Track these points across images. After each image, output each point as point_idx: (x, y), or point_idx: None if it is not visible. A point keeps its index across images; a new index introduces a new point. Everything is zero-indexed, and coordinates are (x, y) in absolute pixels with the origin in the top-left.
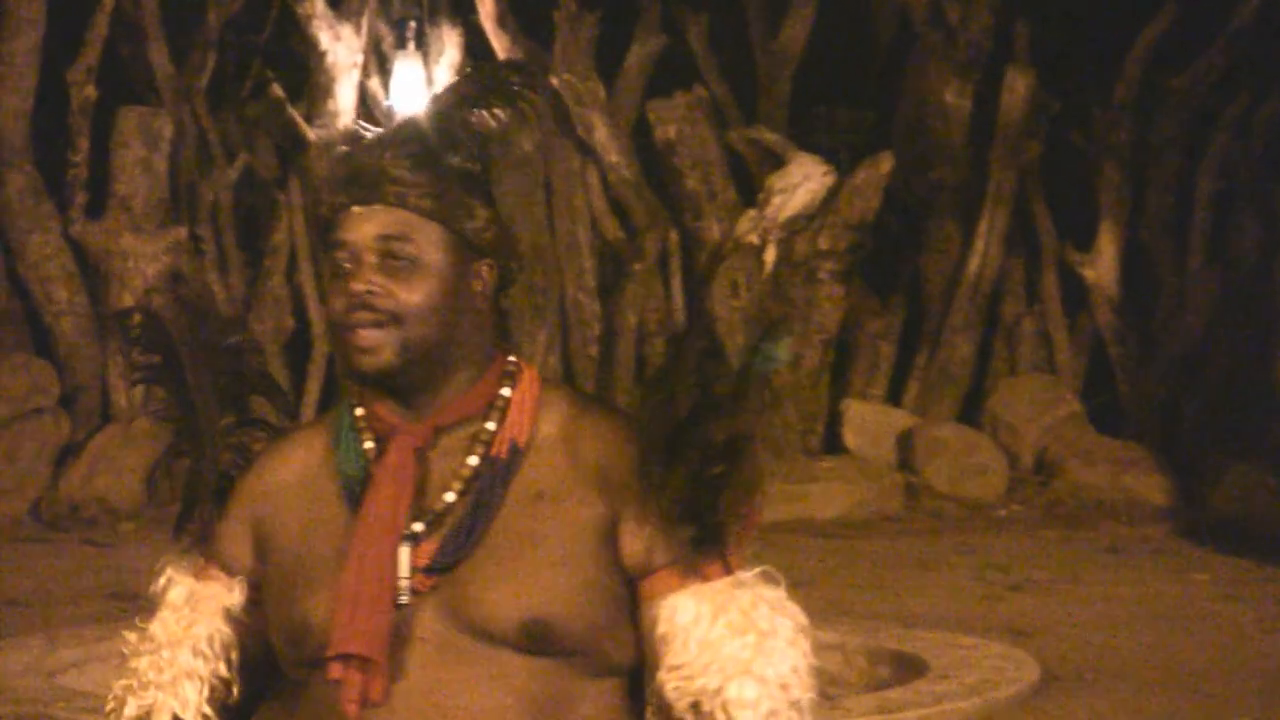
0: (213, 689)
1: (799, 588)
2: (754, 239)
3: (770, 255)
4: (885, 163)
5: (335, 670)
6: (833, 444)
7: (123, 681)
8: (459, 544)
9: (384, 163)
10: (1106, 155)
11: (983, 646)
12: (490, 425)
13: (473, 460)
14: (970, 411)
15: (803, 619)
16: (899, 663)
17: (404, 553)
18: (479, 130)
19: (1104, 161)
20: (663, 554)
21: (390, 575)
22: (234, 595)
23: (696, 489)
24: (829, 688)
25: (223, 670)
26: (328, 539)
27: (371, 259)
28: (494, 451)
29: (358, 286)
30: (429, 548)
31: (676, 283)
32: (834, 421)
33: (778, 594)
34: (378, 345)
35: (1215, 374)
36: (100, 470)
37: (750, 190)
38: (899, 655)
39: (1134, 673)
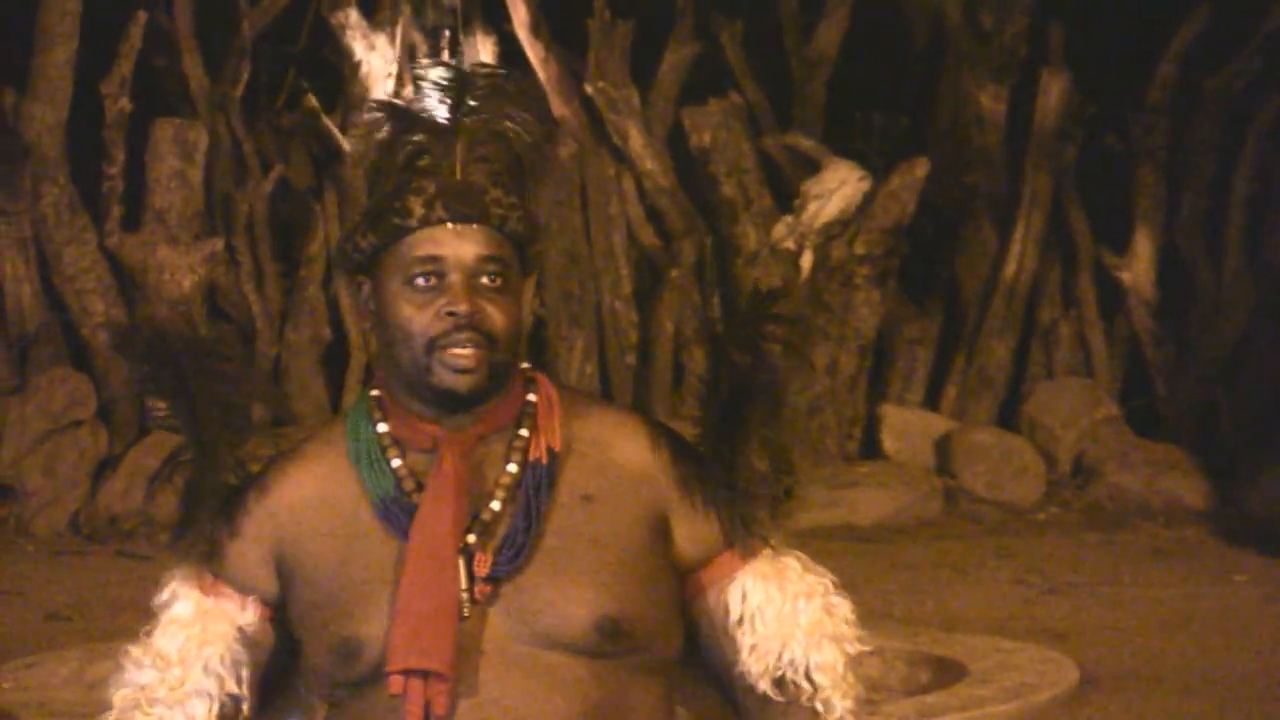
0: (222, 706)
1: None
2: (790, 245)
3: (806, 261)
4: (920, 167)
5: (396, 685)
6: (871, 449)
7: (124, 693)
8: (514, 551)
9: (480, 179)
10: (1142, 158)
11: (1022, 650)
12: (524, 432)
13: (512, 467)
14: (1008, 415)
15: (831, 575)
16: (938, 667)
17: (461, 564)
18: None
19: (1139, 164)
20: (719, 539)
21: (452, 587)
22: (247, 614)
23: (748, 470)
24: (869, 692)
25: (233, 688)
26: (367, 558)
27: (461, 278)
28: (532, 457)
29: (462, 307)
30: (484, 557)
31: (713, 289)
32: (871, 427)
33: (805, 556)
34: (476, 365)
35: (1252, 375)
36: (139, 483)
37: (786, 196)
38: (938, 659)
39: (1174, 676)
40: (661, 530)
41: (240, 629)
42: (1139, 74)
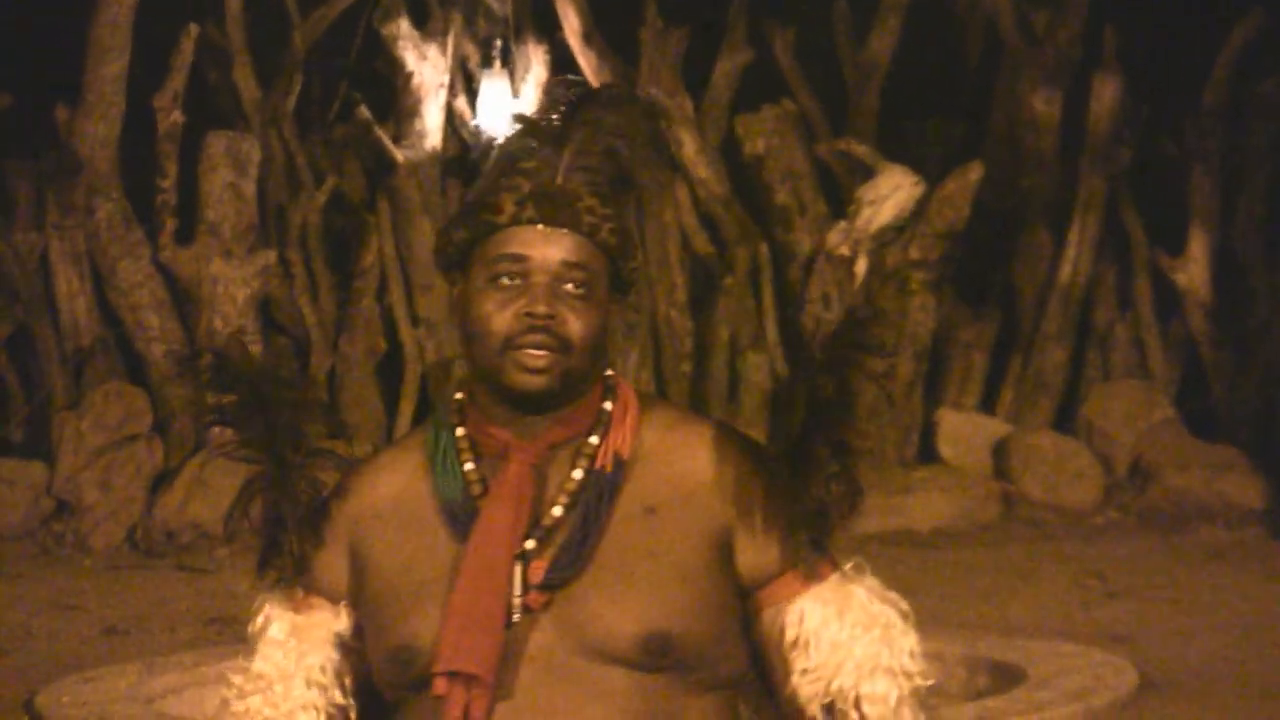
0: (329, 717)
1: None
2: (845, 251)
3: (861, 267)
4: (975, 172)
5: (440, 687)
6: (928, 454)
7: None
8: (570, 559)
9: (577, 187)
10: (1196, 161)
11: (1081, 654)
12: (594, 439)
13: (578, 474)
14: (1064, 419)
15: (904, 604)
16: (998, 671)
17: (517, 570)
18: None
19: (1194, 167)
20: (782, 560)
21: (504, 593)
22: (341, 621)
23: (819, 493)
24: (928, 697)
25: (338, 697)
26: (430, 561)
27: (545, 280)
28: (598, 464)
29: (540, 309)
30: (540, 564)
31: (768, 297)
32: (928, 432)
33: (877, 583)
34: (547, 367)
35: None
36: (195, 496)
37: (840, 202)
38: (998, 664)
39: (1233, 677)
40: (724, 547)
41: (338, 636)
42: (1193, 77)
